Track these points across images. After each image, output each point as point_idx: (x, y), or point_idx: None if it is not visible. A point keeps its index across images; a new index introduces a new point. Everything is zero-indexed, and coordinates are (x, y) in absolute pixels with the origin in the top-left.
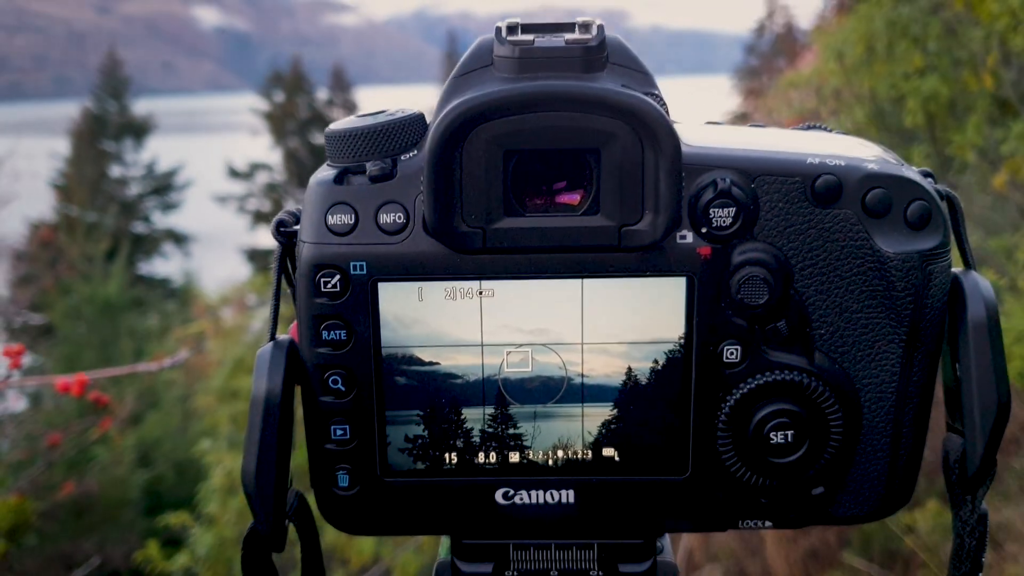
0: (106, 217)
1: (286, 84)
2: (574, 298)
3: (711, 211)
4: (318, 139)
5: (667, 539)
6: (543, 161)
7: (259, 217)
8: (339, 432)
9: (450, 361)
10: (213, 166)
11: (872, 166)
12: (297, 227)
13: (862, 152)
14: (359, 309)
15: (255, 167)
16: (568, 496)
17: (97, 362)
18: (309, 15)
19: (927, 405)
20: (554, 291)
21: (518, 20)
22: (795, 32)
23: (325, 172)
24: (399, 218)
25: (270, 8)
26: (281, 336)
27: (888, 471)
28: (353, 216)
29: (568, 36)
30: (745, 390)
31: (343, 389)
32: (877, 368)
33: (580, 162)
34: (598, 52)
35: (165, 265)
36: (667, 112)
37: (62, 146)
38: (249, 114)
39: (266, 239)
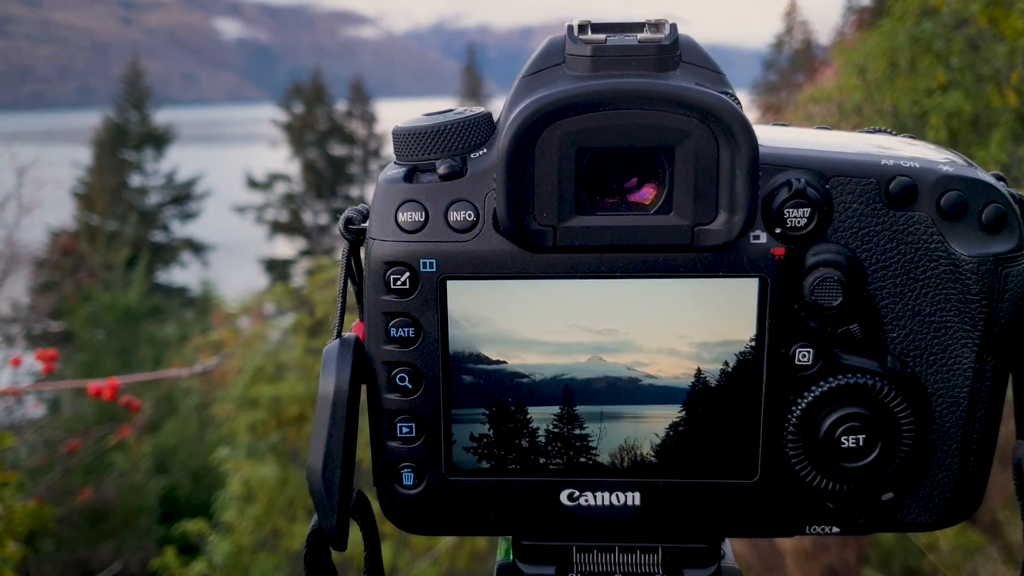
0: (126, 226)
1: (305, 96)
2: (644, 298)
3: (785, 211)
4: (336, 150)
5: (728, 545)
6: (616, 159)
7: (277, 227)
8: (405, 430)
9: (517, 360)
10: (232, 176)
11: (947, 168)
12: (365, 224)
13: (934, 155)
14: (428, 307)
15: (274, 178)
16: (634, 498)
17: (116, 369)
18: (329, 27)
19: (998, 411)
20: (624, 291)
21: (588, 20)
22: (814, 48)
23: (394, 170)
24: (469, 216)
25: (291, 20)
26: (347, 333)
27: (958, 478)
28: (423, 214)
29: (640, 35)
30: (817, 393)
31: (410, 387)
32: (949, 372)
33: (654, 160)
34: (671, 51)
35: (183, 274)
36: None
37: (84, 155)
38: (268, 125)
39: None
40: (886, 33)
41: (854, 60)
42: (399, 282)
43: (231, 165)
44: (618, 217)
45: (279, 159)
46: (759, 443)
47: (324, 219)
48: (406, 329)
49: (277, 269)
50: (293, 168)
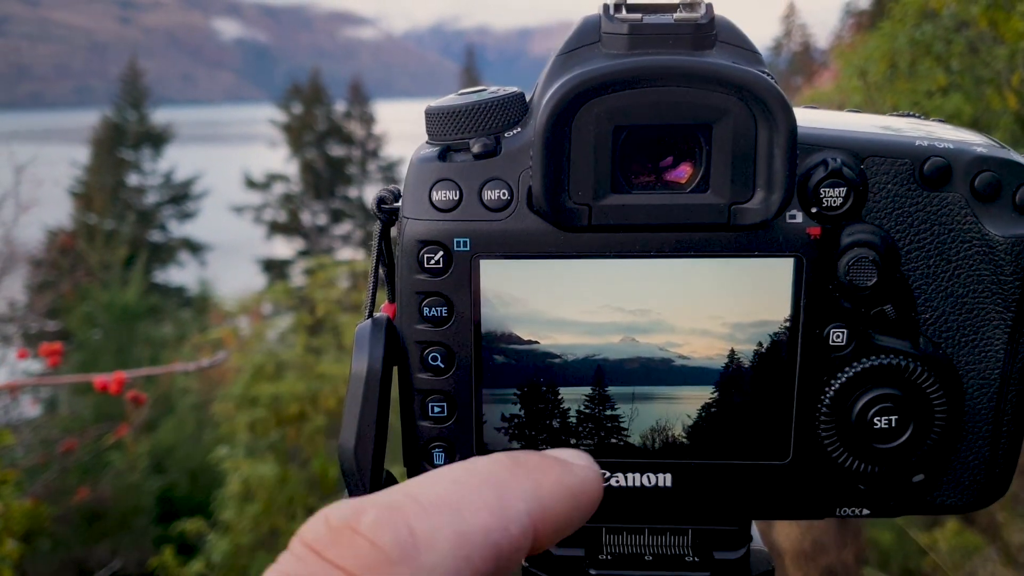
0: (124, 225)
1: (304, 96)
2: (678, 278)
3: (821, 190)
4: (335, 151)
5: (755, 529)
6: (653, 137)
7: (275, 228)
8: (436, 410)
9: (549, 340)
10: (230, 176)
11: (981, 149)
12: (397, 204)
13: (967, 137)
14: (461, 286)
15: (272, 178)
16: (665, 479)
17: (113, 368)
18: (328, 28)
19: None
20: (658, 271)
21: (623, 0)
22: (812, 51)
23: (427, 150)
24: (503, 195)
25: (290, 21)
26: (378, 314)
27: (988, 460)
28: (457, 192)
29: (676, 15)
30: (851, 374)
31: (442, 366)
32: (981, 354)
33: (691, 138)
34: (708, 29)
35: (181, 274)
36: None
37: (82, 154)
38: (267, 125)
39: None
40: (886, 35)
41: (854, 62)
42: (432, 261)
43: (229, 165)
44: (654, 196)
45: (277, 159)
46: (792, 424)
47: (322, 219)
48: (439, 308)
49: (275, 269)
50: (291, 168)
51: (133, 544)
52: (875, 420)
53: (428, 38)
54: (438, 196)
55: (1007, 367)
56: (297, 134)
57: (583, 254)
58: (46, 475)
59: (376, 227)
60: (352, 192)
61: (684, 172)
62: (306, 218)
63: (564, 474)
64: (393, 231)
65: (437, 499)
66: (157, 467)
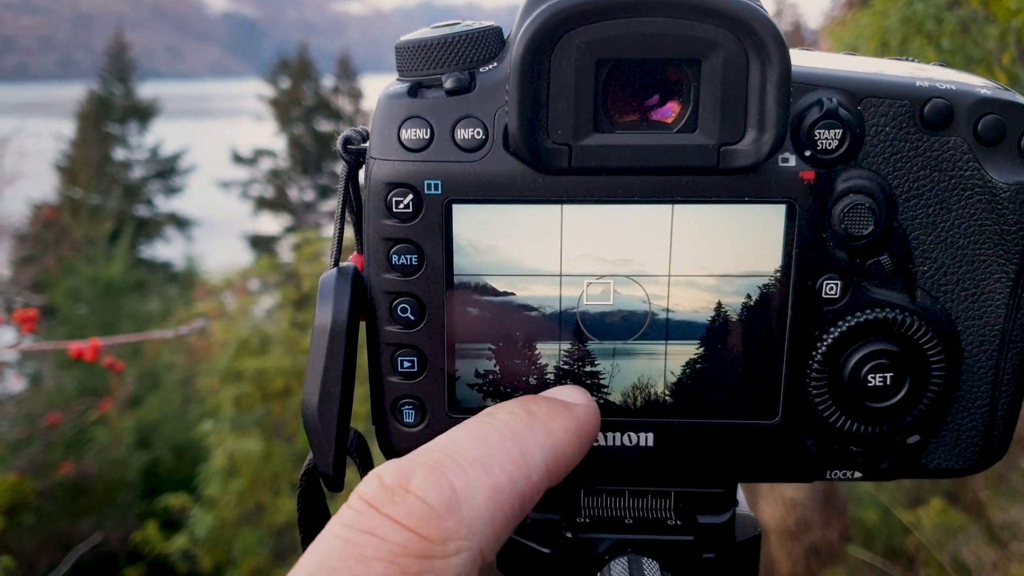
0: (109, 199)
1: (292, 71)
2: (663, 226)
3: (816, 132)
4: (323, 126)
5: (741, 493)
6: (638, 73)
7: (262, 203)
8: (406, 364)
9: (526, 292)
10: (217, 151)
11: (985, 91)
12: (365, 145)
13: (970, 79)
14: (432, 232)
15: (259, 153)
16: (647, 439)
17: None
18: (316, 3)
19: None
20: (641, 218)
21: None
22: (803, 31)
23: (396, 86)
24: (477, 134)
25: None
26: (344, 263)
27: (987, 421)
28: (428, 131)
29: None
30: (844, 328)
31: (412, 318)
32: (981, 308)
33: (678, 74)
34: None
35: (167, 249)
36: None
37: (67, 128)
38: (254, 100)
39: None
40: (877, 13)
41: (845, 40)
42: (402, 205)
43: (216, 140)
44: (639, 135)
45: (265, 134)
46: (781, 382)
47: (310, 196)
48: (408, 256)
49: (262, 245)
50: (279, 144)
51: (118, 519)
52: (869, 377)
53: (417, 13)
54: (407, 135)
55: (1008, 323)
56: (285, 109)
57: (562, 199)
58: (30, 450)
59: (342, 169)
60: (340, 168)
61: (671, 111)
62: (293, 194)
63: (570, 419)
64: (361, 175)
65: (471, 457)
66: (142, 442)
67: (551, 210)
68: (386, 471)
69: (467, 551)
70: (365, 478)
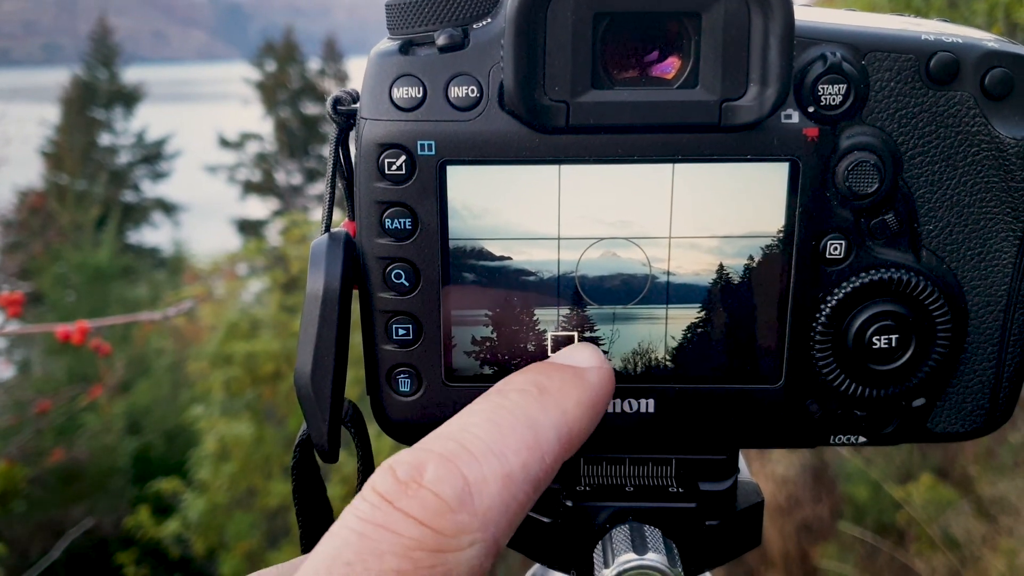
0: (96, 185)
1: (278, 54)
2: (663, 186)
3: (819, 87)
4: (309, 109)
5: (742, 459)
6: (637, 27)
7: (249, 187)
8: (401, 331)
9: (523, 256)
10: (203, 136)
11: (992, 44)
12: (356, 106)
13: (975, 33)
14: (426, 195)
15: (246, 137)
16: (648, 405)
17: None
18: None
19: None
20: (641, 178)
21: None
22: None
23: (386, 44)
24: (472, 92)
25: None
26: (336, 229)
27: (993, 383)
28: (421, 89)
29: None
30: (848, 289)
31: (406, 284)
32: (988, 268)
33: (678, 28)
34: None
35: (154, 234)
36: None
37: (51, 113)
38: (240, 84)
39: (256, 210)
40: None
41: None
42: (394, 167)
43: (202, 124)
44: (638, 92)
45: (251, 118)
46: (784, 345)
47: (297, 179)
48: (402, 220)
49: (250, 230)
50: (265, 127)
51: (110, 505)
52: (874, 339)
53: None
54: (399, 93)
55: (1015, 283)
56: (271, 92)
57: (560, 159)
58: (20, 436)
59: (332, 132)
60: (327, 151)
61: (671, 66)
62: (281, 178)
63: (584, 390)
64: (352, 137)
65: (484, 446)
66: (133, 428)
67: (548, 171)
68: (399, 464)
69: (481, 543)
70: (378, 469)
